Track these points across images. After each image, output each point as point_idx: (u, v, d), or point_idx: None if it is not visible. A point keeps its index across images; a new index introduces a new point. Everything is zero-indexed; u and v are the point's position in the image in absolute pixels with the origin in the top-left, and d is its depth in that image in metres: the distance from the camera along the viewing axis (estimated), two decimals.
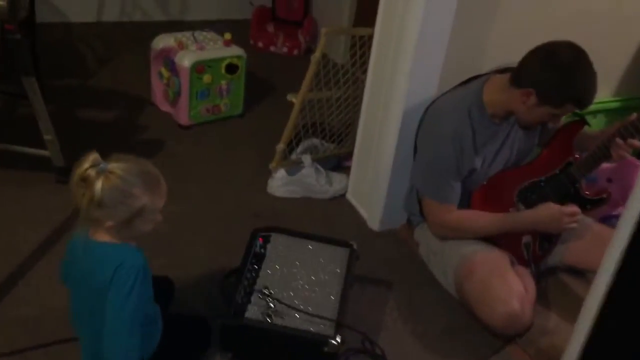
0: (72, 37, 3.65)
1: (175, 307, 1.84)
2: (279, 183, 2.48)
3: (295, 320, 1.70)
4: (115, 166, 1.33)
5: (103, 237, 1.41)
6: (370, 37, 2.30)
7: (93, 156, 1.32)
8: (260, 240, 1.91)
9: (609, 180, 2.44)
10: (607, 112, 2.66)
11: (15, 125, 2.48)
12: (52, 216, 2.16)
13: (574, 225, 1.93)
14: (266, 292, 1.75)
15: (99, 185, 1.30)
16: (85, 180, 1.31)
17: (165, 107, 2.96)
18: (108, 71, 3.28)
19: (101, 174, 1.30)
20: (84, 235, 1.43)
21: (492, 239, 2.05)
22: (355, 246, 1.96)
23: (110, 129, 2.80)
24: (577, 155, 2.04)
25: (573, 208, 1.93)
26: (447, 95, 2.06)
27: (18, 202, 2.24)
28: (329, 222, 2.41)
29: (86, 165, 1.31)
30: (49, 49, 3.23)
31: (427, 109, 2.09)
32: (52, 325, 1.78)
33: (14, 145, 2.28)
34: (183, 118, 2.86)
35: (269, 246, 1.91)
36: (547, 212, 1.94)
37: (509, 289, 1.89)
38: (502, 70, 2.02)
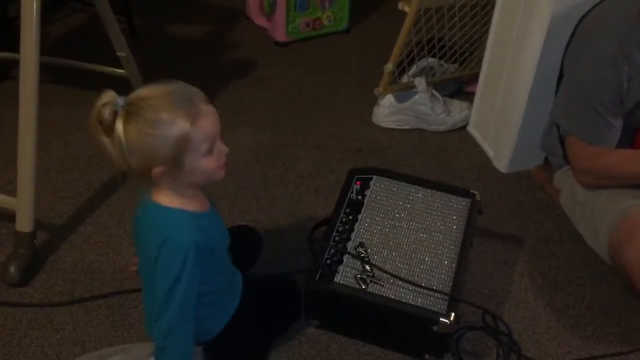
0: None
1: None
2: (386, 111, 2.08)
3: (397, 289, 1.34)
4: (133, 96, 1.04)
5: (160, 195, 1.13)
6: None
7: (107, 93, 1.04)
8: (357, 184, 1.55)
9: None
10: None
11: (96, 42, 2.26)
12: None
13: None
14: (362, 251, 1.40)
15: (119, 125, 1.02)
16: (102, 124, 1.03)
17: (260, 20, 2.61)
18: None
19: (119, 112, 1.03)
20: (146, 191, 1.16)
21: None
22: (478, 196, 1.55)
23: (199, 45, 2.50)
24: None
25: None
26: (610, 1, 1.53)
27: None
28: (445, 161, 1.99)
29: (99, 103, 1.03)
30: None
31: (581, 19, 1.58)
32: (117, 271, 1.57)
33: (88, 63, 2.04)
34: (279, 34, 2.49)
35: (368, 192, 1.54)
36: None
37: None
38: None
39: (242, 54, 2.47)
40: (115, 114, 1.02)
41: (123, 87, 1.12)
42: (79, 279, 1.55)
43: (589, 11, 1.57)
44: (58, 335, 1.42)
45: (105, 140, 1.04)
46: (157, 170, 1.07)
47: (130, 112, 1.02)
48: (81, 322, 1.45)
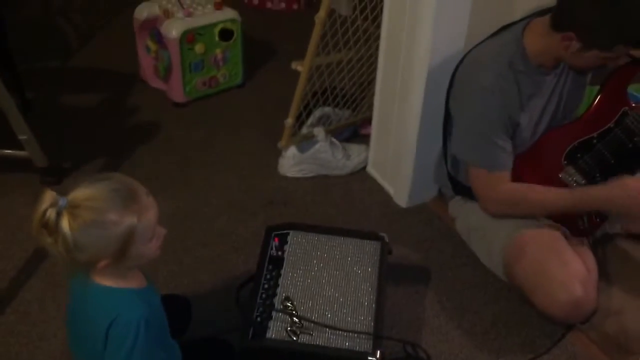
0: (50, 11, 3.30)
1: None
2: (291, 162, 2.21)
3: (326, 336, 1.45)
4: (76, 197, 1.07)
5: (102, 278, 1.17)
6: None
7: (47, 194, 1.06)
8: (276, 241, 1.65)
9: None
10: None
11: None
12: None
13: None
14: (289, 304, 1.49)
15: (65, 227, 1.05)
16: (47, 227, 1.06)
17: (156, 83, 2.66)
18: (91, 48, 2.97)
19: (63, 213, 1.05)
20: (83, 273, 1.18)
21: None
22: (386, 238, 1.69)
23: (97, 113, 2.52)
24: (633, 104, 1.74)
25: None
26: (481, 48, 1.75)
27: None
28: (351, 202, 2.14)
29: (42, 207, 1.05)
30: (25, 26, 2.92)
31: (457, 66, 1.78)
32: (46, 359, 1.56)
33: None
34: (178, 95, 2.56)
35: (286, 247, 1.64)
36: (624, 191, 1.60)
37: (568, 270, 1.62)
38: (543, 12, 1.69)
39: (143, 117, 2.51)
40: (58, 215, 1.05)
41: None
42: None
43: (463, 58, 1.77)
44: None
45: (49, 241, 1.07)
46: (103, 263, 1.11)
47: (75, 215, 1.05)
48: None
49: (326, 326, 1.45)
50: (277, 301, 1.51)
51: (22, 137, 1.92)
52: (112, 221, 1.08)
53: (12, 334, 1.63)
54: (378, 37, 2.06)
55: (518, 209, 1.73)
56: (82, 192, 1.07)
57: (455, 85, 1.77)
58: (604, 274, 1.84)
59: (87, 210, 1.06)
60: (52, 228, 1.05)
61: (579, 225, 1.81)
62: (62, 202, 1.06)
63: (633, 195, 1.59)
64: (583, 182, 1.78)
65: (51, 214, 1.05)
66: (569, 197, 1.67)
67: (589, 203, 1.67)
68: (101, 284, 1.17)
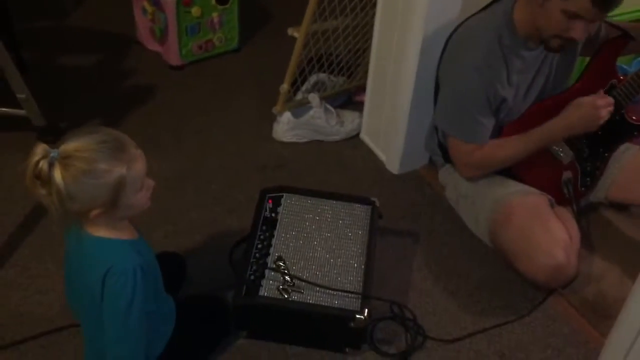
0: None
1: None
2: (285, 127, 2.24)
3: (316, 295, 1.51)
4: (66, 148, 1.11)
5: (95, 229, 1.22)
6: None
7: (39, 147, 1.10)
8: (270, 203, 1.69)
9: None
10: None
11: None
12: None
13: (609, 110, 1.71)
14: (281, 264, 1.55)
15: (58, 177, 1.09)
16: (40, 177, 1.10)
17: (152, 45, 2.66)
18: (87, 8, 2.95)
19: (55, 164, 1.10)
20: (77, 225, 1.23)
21: (528, 179, 1.83)
22: (377, 202, 1.74)
23: (93, 74, 2.52)
24: (621, 77, 1.78)
25: (606, 98, 1.71)
26: (473, 20, 1.77)
27: None
28: (343, 168, 2.18)
29: (35, 158, 1.09)
30: None
31: (450, 36, 1.81)
32: (45, 311, 1.61)
33: None
34: (173, 58, 2.57)
35: (280, 209, 1.69)
36: (579, 111, 1.71)
37: (552, 237, 1.69)
38: None
39: (139, 80, 2.52)
40: (51, 166, 1.09)
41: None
42: (7, 323, 1.58)
43: (456, 28, 1.79)
44: None
45: (43, 192, 1.11)
46: (95, 212, 1.16)
47: (67, 165, 1.09)
48: None
49: (317, 285, 1.51)
50: (269, 261, 1.56)
51: (20, 95, 1.94)
52: (103, 170, 1.12)
53: (10, 287, 1.67)
54: (374, 5, 2.07)
55: (493, 169, 1.82)
56: (72, 144, 1.12)
57: (446, 56, 1.80)
58: (587, 242, 1.91)
59: (78, 160, 1.10)
60: (44, 179, 1.09)
61: (564, 194, 1.87)
62: (53, 153, 1.10)
63: (591, 113, 1.69)
64: (570, 152, 1.83)
65: (43, 165, 1.09)
66: (535, 138, 1.74)
67: (553, 133, 1.75)
68: (94, 234, 1.22)
